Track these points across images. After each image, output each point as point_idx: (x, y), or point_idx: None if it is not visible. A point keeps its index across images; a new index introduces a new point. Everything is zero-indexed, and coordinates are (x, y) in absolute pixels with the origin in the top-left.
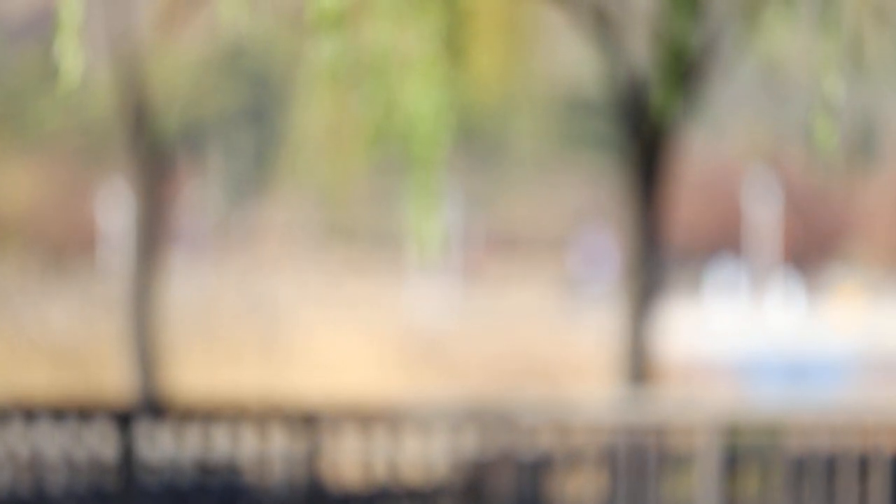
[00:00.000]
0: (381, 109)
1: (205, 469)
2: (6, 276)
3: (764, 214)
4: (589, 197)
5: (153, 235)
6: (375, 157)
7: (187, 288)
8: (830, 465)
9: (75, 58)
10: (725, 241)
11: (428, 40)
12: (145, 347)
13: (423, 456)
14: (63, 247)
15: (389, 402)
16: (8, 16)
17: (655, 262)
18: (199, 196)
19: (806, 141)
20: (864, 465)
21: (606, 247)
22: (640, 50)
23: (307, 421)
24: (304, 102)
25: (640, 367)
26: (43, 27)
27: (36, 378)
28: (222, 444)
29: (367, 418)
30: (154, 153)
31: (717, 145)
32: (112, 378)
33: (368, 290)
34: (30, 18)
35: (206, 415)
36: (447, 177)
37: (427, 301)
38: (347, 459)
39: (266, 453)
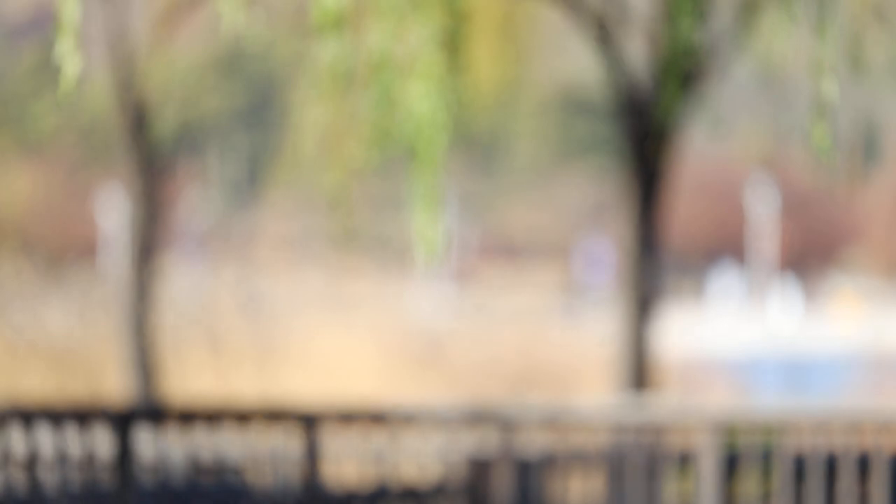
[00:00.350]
0: (381, 112)
1: (204, 471)
2: (4, 279)
3: (764, 218)
4: (589, 201)
5: (151, 238)
6: (376, 160)
7: (185, 291)
8: (830, 466)
9: (74, 60)
10: (726, 244)
11: (428, 42)
12: (143, 350)
13: (423, 457)
14: (62, 250)
15: (389, 404)
16: (7, 16)
17: (654, 265)
18: (197, 199)
19: (806, 144)
20: (863, 465)
21: (607, 251)
22: (641, 52)
23: (307, 421)
24: (303, 104)
25: (639, 369)
26: (42, 27)
27: (34, 381)
28: (221, 446)
29: (366, 419)
30: (152, 156)
31: (717, 148)
32: (111, 381)
33: (368, 295)
34: (29, 18)
35: (206, 416)
36: (446, 181)
37: (427, 305)
38: (347, 460)
39: (265, 455)
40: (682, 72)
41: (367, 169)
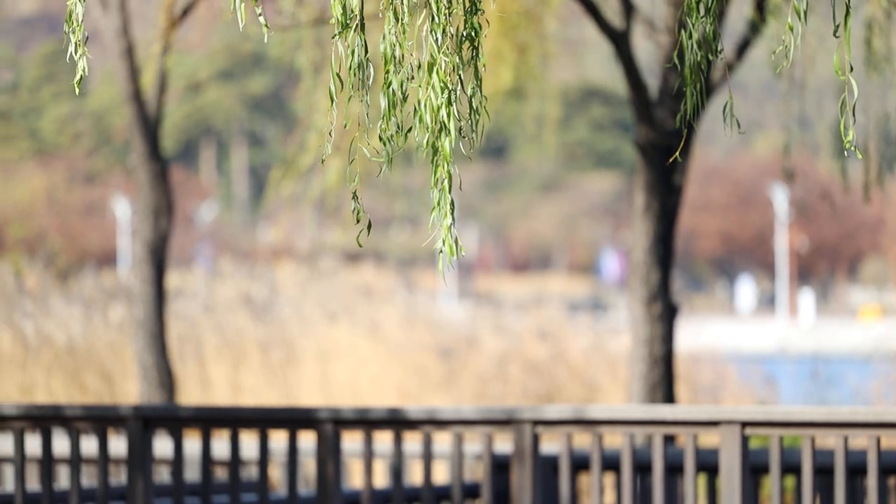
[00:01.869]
0: (397, 115)
1: (228, 475)
2: (21, 284)
3: (784, 222)
4: (606, 209)
5: (163, 244)
6: (389, 164)
7: (198, 297)
8: (855, 466)
9: (85, 68)
10: (750, 248)
11: (443, 42)
12: (159, 355)
13: (453, 459)
14: (79, 254)
15: (413, 406)
16: (17, 9)
17: (669, 268)
18: (213, 209)
19: (832, 148)
20: (887, 466)
21: (624, 258)
22: (656, 57)
23: (335, 424)
24: (318, 108)
25: (662, 372)
26: (50, 19)
27: (51, 385)
28: (245, 450)
29: (396, 422)
30: (163, 162)
31: (735, 154)
32: (127, 386)
33: (391, 307)
34: (38, 10)
35: (224, 420)
36: (466, 195)
37: (451, 316)
38: (376, 463)
39: (292, 458)
40: (699, 77)
41: (380, 174)
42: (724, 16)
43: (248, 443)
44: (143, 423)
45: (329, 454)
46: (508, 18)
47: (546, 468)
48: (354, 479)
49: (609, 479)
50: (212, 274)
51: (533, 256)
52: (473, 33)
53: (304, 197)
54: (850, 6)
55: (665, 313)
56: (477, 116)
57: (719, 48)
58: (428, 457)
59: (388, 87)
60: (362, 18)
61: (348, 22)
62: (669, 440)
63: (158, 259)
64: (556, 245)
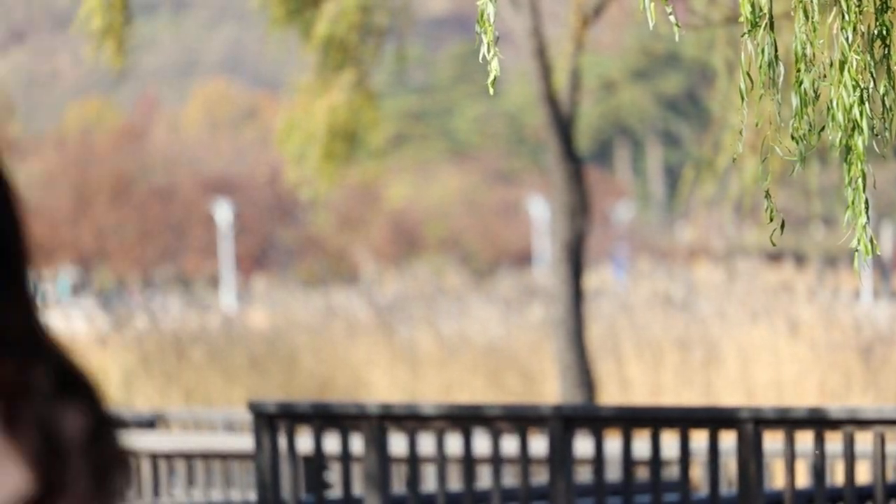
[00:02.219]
0: (809, 113)
1: (649, 475)
2: (444, 284)
3: None
4: None
5: (579, 245)
6: (805, 165)
7: (614, 298)
8: None
9: (497, 68)
10: None
11: (854, 41)
12: (578, 355)
13: (875, 459)
14: (498, 253)
15: (841, 407)
16: (430, 11)
17: None
18: (630, 208)
19: None
20: None
21: None
22: None
23: (756, 424)
24: (732, 108)
25: None
26: (462, 21)
27: (477, 384)
28: (666, 450)
29: (817, 422)
30: (580, 164)
31: None
32: (550, 387)
33: (810, 309)
34: (450, 12)
35: (651, 420)
36: (883, 194)
37: (871, 315)
38: (798, 463)
39: (714, 458)
40: None
41: (793, 172)
42: None
43: (669, 442)
44: (563, 423)
45: (750, 454)
46: None
47: None
48: (776, 479)
49: None
50: (628, 273)
51: None
52: (884, 31)
53: (722, 196)
54: None
55: None
56: (890, 115)
57: None
58: (850, 457)
59: (800, 86)
60: (771, 17)
61: (758, 20)
62: None
63: (576, 258)
64: None
